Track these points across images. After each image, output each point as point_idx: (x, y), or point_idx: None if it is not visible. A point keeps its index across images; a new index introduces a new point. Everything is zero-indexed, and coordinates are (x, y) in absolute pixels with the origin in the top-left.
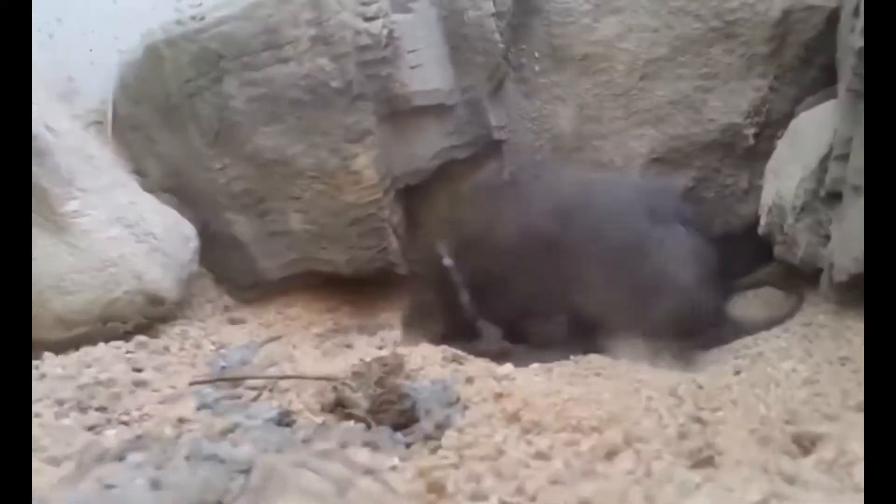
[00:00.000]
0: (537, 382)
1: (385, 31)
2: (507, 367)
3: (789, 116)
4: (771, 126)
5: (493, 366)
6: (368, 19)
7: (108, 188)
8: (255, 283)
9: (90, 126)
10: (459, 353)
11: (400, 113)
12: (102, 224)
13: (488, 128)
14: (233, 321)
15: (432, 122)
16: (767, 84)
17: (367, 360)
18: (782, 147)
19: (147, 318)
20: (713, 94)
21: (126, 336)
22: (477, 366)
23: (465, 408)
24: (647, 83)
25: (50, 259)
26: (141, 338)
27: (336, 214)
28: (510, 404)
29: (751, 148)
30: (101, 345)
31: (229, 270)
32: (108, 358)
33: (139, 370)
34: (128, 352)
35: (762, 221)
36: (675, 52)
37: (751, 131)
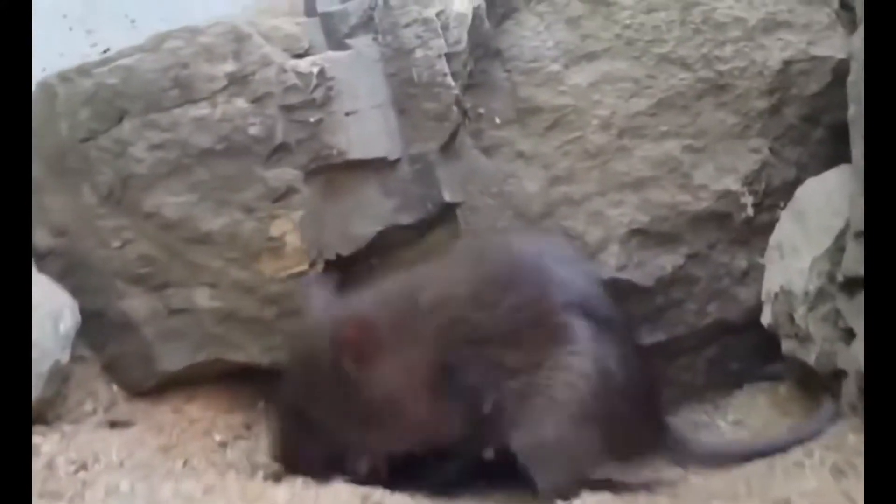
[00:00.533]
0: None
1: (315, 70)
2: None
3: (794, 184)
4: (772, 195)
5: None
6: (297, 56)
7: None
8: (148, 373)
9: None
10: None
11: (332, 168)
12: None
13: (438, 187)
14: (113, 424)
15: (371, 180)
16: (767, 145)
17: None
18: (787, 220)
19: None
20: (704, 155)
21: None
22: None
23: None
24: (626, 141)
25: None
26: None
27: (250, 291)
28: None
29: (749, 220)
30: None
31: (118, 357)
32: None
33: None
34: None
35: (766, 310)
36: (658, 105)
37: (749, 200)
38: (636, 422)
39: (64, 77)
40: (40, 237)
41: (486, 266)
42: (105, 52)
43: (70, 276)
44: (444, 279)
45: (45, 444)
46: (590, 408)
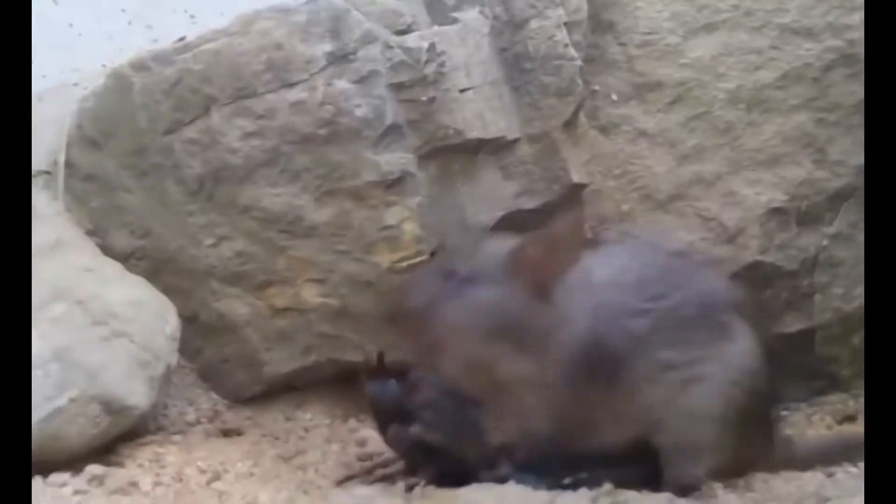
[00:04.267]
0: None
1: (425, 45)
2: None
3: None
4: None
5: None
6: (401, 32)
7: (52, 248)
8: (253, 378)
9: (36, 177)
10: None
11: (447, 149)
12: (41, 300)
13: (565, 168)
14: (226, 433)
15: (489, 162)
16: None
17: None
18: None
19: (104, 437)
20: (838, 129)
21: (73, 466)
22: None
23: None
24: (755, 116)
25: None
26: (95, 468)
27: (364, 285)
28: None
29: None
30: (37, 479)
31: (217, 362)
32: (45, 503)
33: None
34: (77, 491)
35: None
36: (785, 78)
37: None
38: (768, 422)
39: (140, 66)
40: (120, 239)
41: (658, 260)
42: (181, 39)
43: (156, 279)
44: (615, 263)
45: (168, 455)
46: (743, 406)
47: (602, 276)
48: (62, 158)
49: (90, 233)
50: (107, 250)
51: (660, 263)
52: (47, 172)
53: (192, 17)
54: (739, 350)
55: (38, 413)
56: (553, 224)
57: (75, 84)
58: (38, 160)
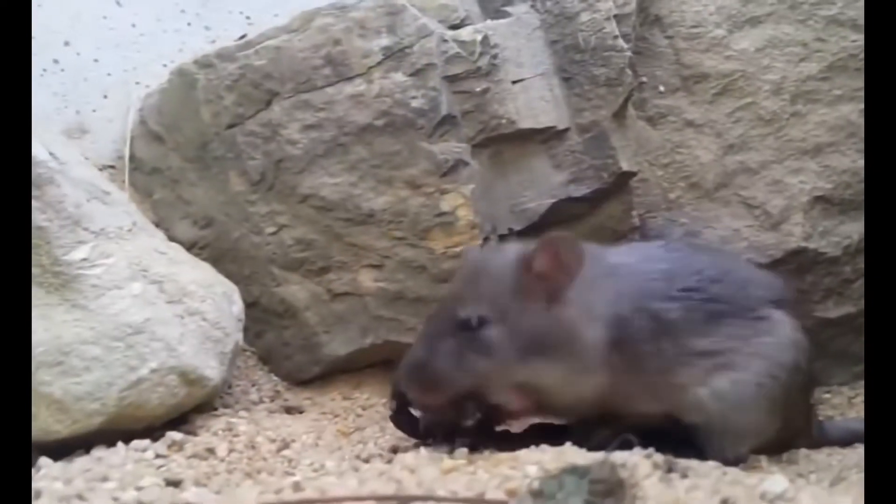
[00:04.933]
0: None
1: (479, 38)
2: (779, 482)
3: None
4: None
5: (744, 476)
6: (455, 26)
7: (128, 232)
8: (312, 360)
9: (102, 171)
10: (672, 458)
11: (499, 139)
12: (121, 278)
13: (614, 157)
14: (288, 410)
15: (539, 151)
16: None
17: (549, 468)
18: None
19: (181, 407)
20: None
21: (153, 433)
22: (721, 479)
23: None
24: (799, 106)
25: (48, 325)
26: (175, 434)
27: (420, 269)
28: None
29: None
30: (120, 445)
31: (278, 345)
32: (129, 465)
33: (176, 484)
34: (158, 455)
35: None
36: (830, 69)
37: None
38: (807, 411)
39: (203, 63)
40: (183, 229)
41: (695, 255)
42: (242, 37)
43: (218, 266)
44: (643, 254)
45: (239, 425)
46: (781, 396)
47: (631, 267)
48: (127, 152)
49: (154, 224)
50: (170, 240)
51: (699, 258)
52: (111, 167)
53: (247, 17)
54: (777, 344)
55: (121, 382)
56: (550, 236)
57: (137, 82)
58: (104, 154)
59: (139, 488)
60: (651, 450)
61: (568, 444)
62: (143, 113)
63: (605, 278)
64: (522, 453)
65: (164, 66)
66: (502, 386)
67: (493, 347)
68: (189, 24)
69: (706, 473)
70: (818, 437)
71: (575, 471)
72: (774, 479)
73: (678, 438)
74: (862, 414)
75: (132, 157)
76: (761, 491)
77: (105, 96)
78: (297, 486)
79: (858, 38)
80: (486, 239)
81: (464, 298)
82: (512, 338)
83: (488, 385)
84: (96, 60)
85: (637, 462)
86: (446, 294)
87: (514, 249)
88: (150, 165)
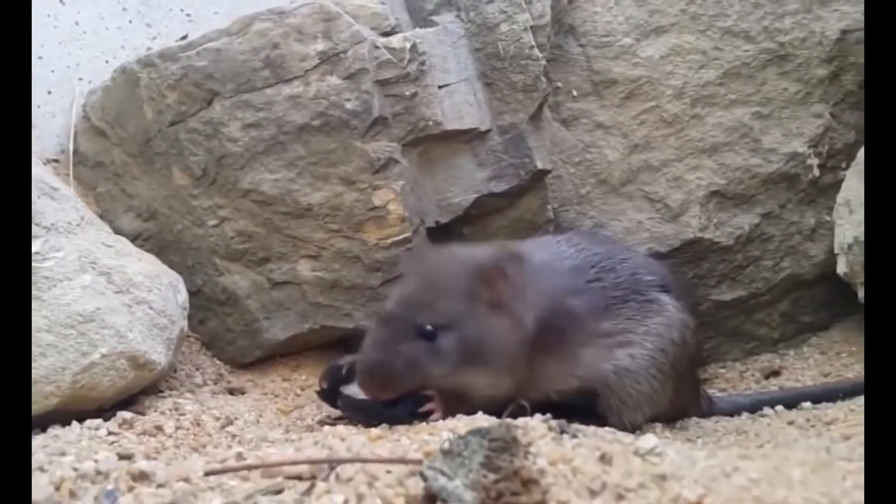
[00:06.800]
0: (699, 458)
1: (408, 45)
2: (650, 440)
3: (853, 146)
4: (835, 157)
5: (623, 436)
6: (386, 34)
7: (76, 227)
8: (254, 344)
9: (47, 164)
10: (564, 422)
11: (427, 139)
12: (72, 270)
13: (531, 156)
14: (231, 392)
15: (464, 151)
16: (828, 111)
17: (460, 433)
18: (852, 178)
19: (130, 389)
20: (771, 121)
21: (104, 413)
22: (604, 439)
23: (620, 497)
24: (698, 110)
25: None
26: (125, 414)
27: (355, 259)
28: (687, 490)
29: (815, 180)
30: (74, 424)
31: (221, 330)
32: (84, 441)
33: (129, 457)
34: (110, 433)
35: (841, 261)
36: (726, 76)
37: (815, 162)
38: (695, 383)
39: (146, 62)
40: (127, 222)
41: (593, 249)
42: (184, 38)
43: (162, 256)
44: (554, 252)
45: (185, 405)
46: (669, 369)
47: (548, 266)
48: (71, 147)
49: (98, 216)
50: (115, 232)
51: (596, 250)
52: (55, 161)
53: (188, 15)
54: (665, 323)
55: (74, 367)
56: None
57: (80, 78)
58: (48, 149)
59: (96, 460)
60: (548, 416)
61: (480, 414)
62: (87, 109)
63: (531, 282)
64: (440, 423)
65: (107, 62)
66: (441, 386)
67: (445, 355)
68: (130, 21)
69: (593, 434)
70: (708, 409)
71: (478, 432)
72: (646, 437)
73: (585, 411)
74: (751, 387)
75: (76, 152)
76: (635, 447)
77: (49, 92)
78: (239, 456)
79: (750, 48)
80: (414, 231)
81: (422, 306)
82: (461, 345)
83: (430, 385)
84: (40, 58)
85: (535, 425)
86: (400, 296)
87: (467, 259)
88: (93, 160)
